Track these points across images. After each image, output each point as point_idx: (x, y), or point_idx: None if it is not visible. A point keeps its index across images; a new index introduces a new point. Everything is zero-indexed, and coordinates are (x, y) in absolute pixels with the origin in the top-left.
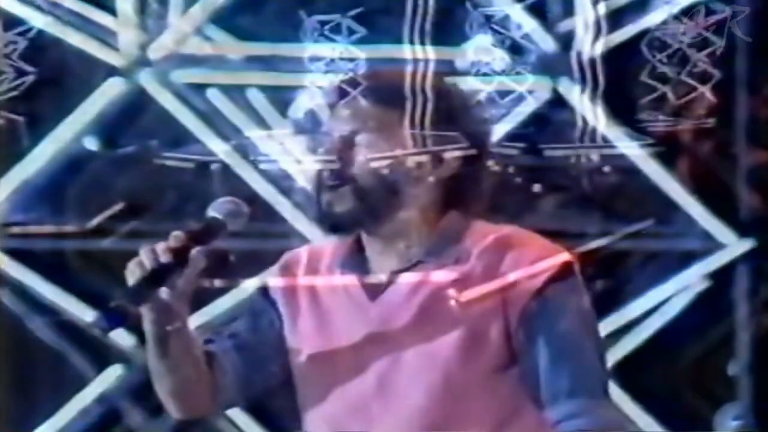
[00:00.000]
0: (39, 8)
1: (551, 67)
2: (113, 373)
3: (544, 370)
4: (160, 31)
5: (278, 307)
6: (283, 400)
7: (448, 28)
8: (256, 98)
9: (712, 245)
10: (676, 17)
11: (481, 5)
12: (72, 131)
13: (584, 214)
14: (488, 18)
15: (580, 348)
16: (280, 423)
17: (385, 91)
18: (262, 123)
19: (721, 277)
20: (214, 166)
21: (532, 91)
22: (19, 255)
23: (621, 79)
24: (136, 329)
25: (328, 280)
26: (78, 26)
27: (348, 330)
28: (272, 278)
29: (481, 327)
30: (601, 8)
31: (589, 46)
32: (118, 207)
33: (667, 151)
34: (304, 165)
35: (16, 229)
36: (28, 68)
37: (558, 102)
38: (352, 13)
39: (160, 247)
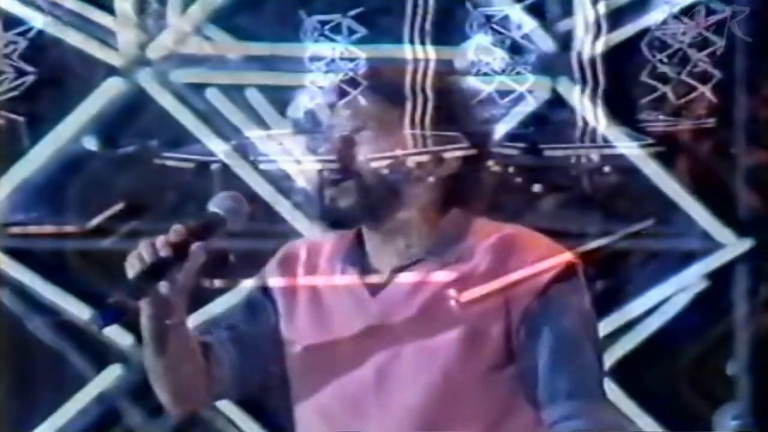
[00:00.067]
0: (39, 8)
1: (551, 66)
2: (112, 372)
3: (544, 370)
4: (159, 31)
5: (275, 300)
6: (283, 401)
7: (448, 28)
8: (255, 98)
9: (712, 245)
10: (676, 17)
11: (481, 5)
12: (71, 131)
13: (584, 214)
14: (488, 18)
15: (580, 349)
16: (281, 423)
17: (386, 89)
18: (261, 123)
19: (721, 277)
20: (214, 166)
21: (532, 91)
22: (19, 255)
23: (621, 79)
24: (135, 328)
25: (330, 275)
26: (77, 26)
27: (347, 323)
28: (270, 270)
29: (482, 325)
30: (601, 7)
31: (589, 45)
32: (118, 207)
33: (667, 151)
34: (304, 165)
35: (16, 229)
36: (28, 68)
37: (558, 102)
38: (353, 12)
39: (160, 241)
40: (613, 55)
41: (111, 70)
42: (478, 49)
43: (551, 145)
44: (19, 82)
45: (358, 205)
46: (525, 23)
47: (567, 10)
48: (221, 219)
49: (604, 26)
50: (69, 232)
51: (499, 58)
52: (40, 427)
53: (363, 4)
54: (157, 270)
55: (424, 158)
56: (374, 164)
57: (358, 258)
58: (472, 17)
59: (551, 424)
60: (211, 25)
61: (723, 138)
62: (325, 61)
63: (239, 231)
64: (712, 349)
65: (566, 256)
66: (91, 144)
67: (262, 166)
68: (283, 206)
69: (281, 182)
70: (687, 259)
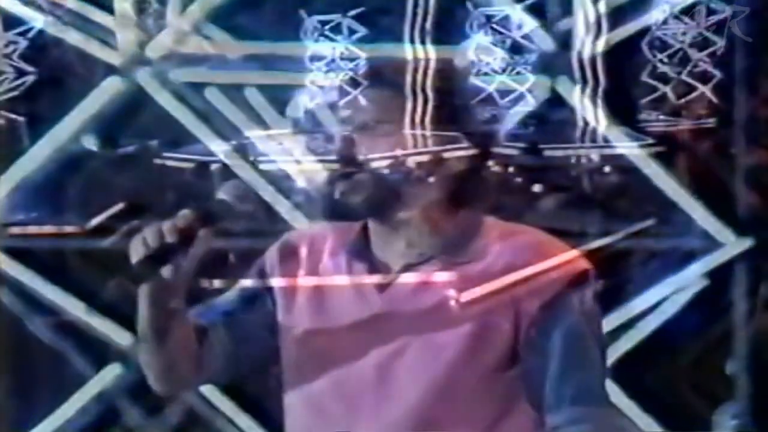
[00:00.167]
0: (39, 8)
1: (551, 66)
2: (112, 371)
3: (551, 374)
4: (158, 31)
5: (273, 287)
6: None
7: (448, 28)
8: (255, 98)
9: (711, 244)
10: (677, 17)
11: (481, 5)
12: (71, 130)
13: (584, 214)
14: (488, 18)
15: (588, 356)
16: (280, 423)
17: (387, 88)
18: (261, 123)
19: (720, 276)
20: (214, 166)
21: (532, 91)
22: (18, 255)
23: (621, 79)
24: (134, 328)
25: (334, 266)
26: (77, 26)
27: (350, 311)
28: (269, 257)
29: (490, 326)
30: (602, 6)
31: (590, 45)
32: (118, 207)
33: (667, 151)
34: (304, 165)
35: (16, 229)
36: (28, 68)
37: (558, 102)
38: (353, 12)
39: (167, 226)
40: (613, 54)
41: (110, 70)
42: (478, 48)
43: (551, 145)
44: (19, 82)
45: (370, 199)
46: (525, 23)
47: (567, 10)
48: (228, 205)
49: (605, 26)
50: (69, 232)
51: (499, 57)
52: (39, 426)
53: (363, 4)
54: (162, 255)
55: (428, 157)
56: (376, 164)
57: (364, 251)
58: (472, 17)
59: (555, 428)
60: (211, 25)
61: (723, 138)
62: (326, 61)
63: (238, 231)
64: (712, 348)
65: (582, 263)
66: (90, 143)
67: (262, 166)
68: (283, 206)
69: (281, 182)
70: (687, 258)
